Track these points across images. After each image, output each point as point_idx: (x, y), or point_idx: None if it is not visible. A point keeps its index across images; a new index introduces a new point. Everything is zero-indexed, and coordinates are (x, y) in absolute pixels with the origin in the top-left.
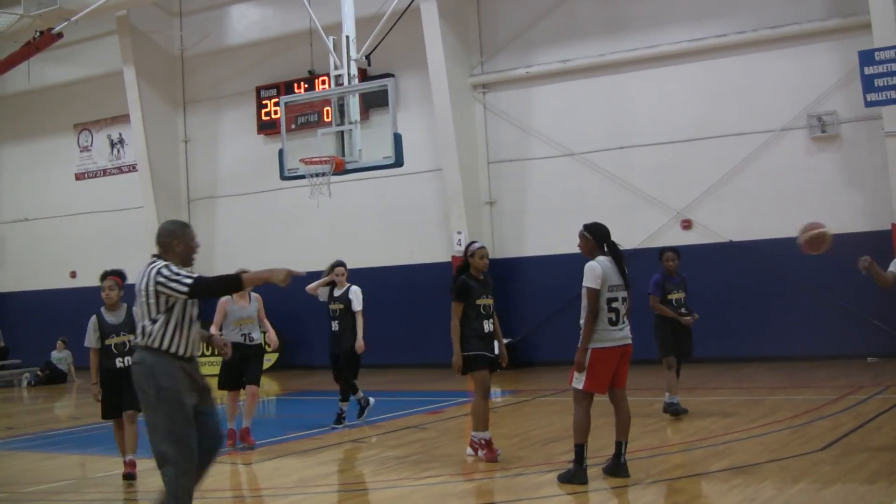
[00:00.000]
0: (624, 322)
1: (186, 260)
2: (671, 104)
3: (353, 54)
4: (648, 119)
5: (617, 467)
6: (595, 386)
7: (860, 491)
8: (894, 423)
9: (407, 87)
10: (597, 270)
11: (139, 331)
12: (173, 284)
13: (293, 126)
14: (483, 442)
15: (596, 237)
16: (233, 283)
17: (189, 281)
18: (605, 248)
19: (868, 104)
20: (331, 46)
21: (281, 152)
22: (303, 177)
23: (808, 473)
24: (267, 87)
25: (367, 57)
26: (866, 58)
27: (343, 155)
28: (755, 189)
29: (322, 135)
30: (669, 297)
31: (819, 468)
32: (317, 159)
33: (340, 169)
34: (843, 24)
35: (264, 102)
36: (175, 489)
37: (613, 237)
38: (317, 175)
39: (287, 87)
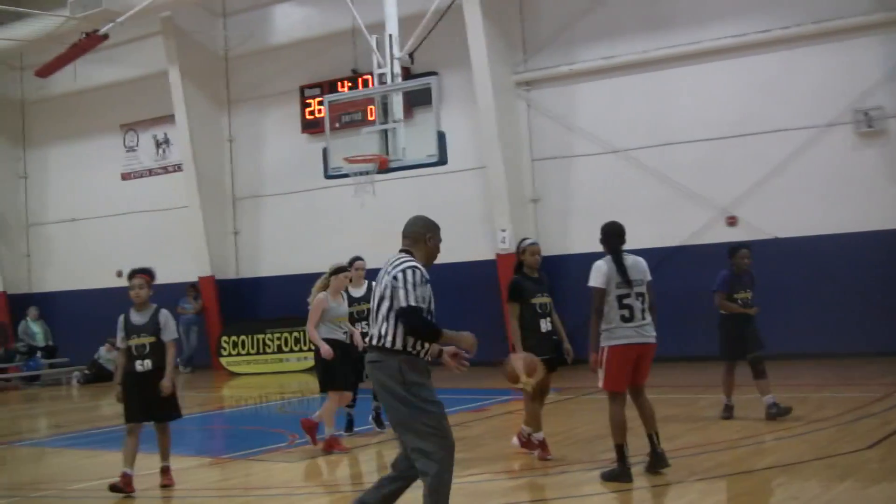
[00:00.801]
0: (643, 319)
1: (430, 258)
2: (714, 100)
3: (397, 53)
4: (692, 115)
5: (655, 459)
6: (613, 384)
7: None
8: None
9: (450, 85)
10: (601, 269)
11: (377, 332)
12: (401, 292)
13: (337, 125)
14: (536, 441)
15: (603, 236)
16: (435, 335)
17: (413, 303)
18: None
19: None
20: (374, 45)
21: (325, 151)
22: (347, 175)
23: (854, 471)
24: (311, 87)
25: (411, 55)
26: None
27: (387, 153)
28: (800, 185)
29: (366, 133)
30: (736, 295)
31: (866, 466)
32: (361, 158)
33: (384, 167)
34: (888, 18)
35: (308, 101)
36: (437, 485)
37: (658, 234)
38: (361, 174)
39: (331, 86)
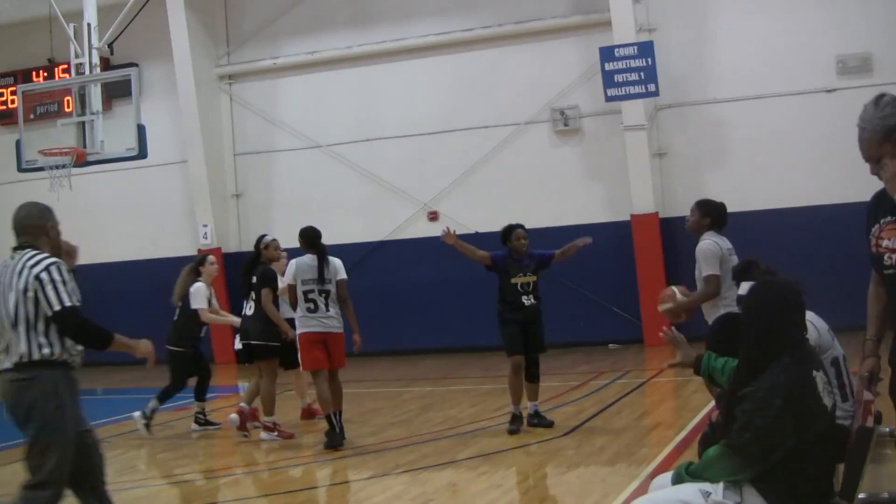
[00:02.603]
0: (327, 312)
1: (56, 252)
2: (418, 97)
3: (95, 42)
4: (396, 111)
5: (334, 435)
6: (307, 364)
7: (601, 473)
8: (633, 407)
9: (151, 77)
10: (291, 267)
11: (23, 348)
12: (51, 293)
13: (32, 116)
14: (273, 424)
15: (302, 238)
16: (106, 339)
17: (69, 303)
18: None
19: (608, 99)
20: (71, 34)
21: (18, 143)
22: (42, 169)
23: (552, 458)
24: (3, 75)
25: (110, 45)
26: (607, 54)
27: (84, 146)
28: (500, 181)
29: (62, 125)
30: (514, 280)
31: (563, 452)
32: (57, 151)
33: (82, 160)
34: (585, 21)
35: (0, 91)
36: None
37: (363, 228)
38: (57, 167)
39: (25, 76)
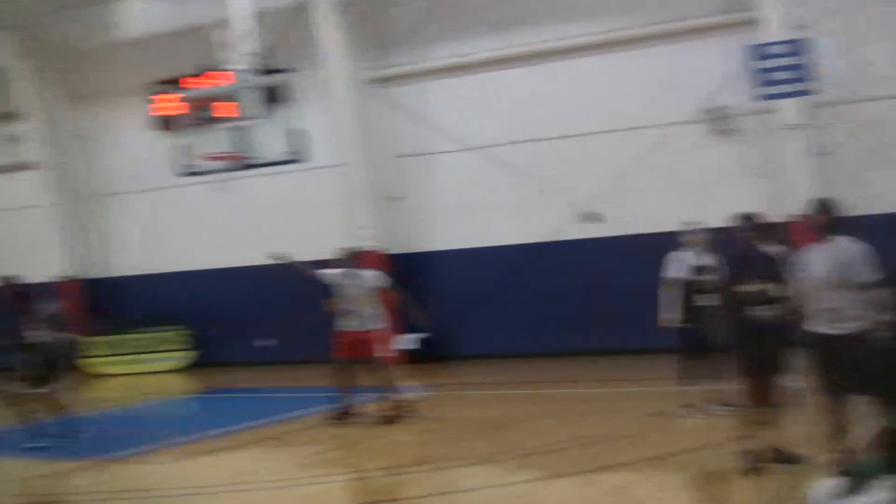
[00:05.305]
0: None
1: None
2: (572, 98)
3: (253, 49)
4: (550, 113)
5: None
6: None
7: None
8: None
9: (308, 82)
10: None
11: None
12: None
13: (193, 122)
14: None
15: None
16: None
17: None
18: None
19: (761, 98)
20: (230, 41)
21: (181, 148)
22: (204, 173)
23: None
24: (165, 83)
25: (267, 51)
26: (757, 52)
27: (244, 150)
28: (657, 181)
29: (223, 130)
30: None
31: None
32: (217, 155)
33: (241, 164)
34: (734, 19)
35: (163, 98)
36: None
37: (517, 230)
38: (217, 171)
39: (183, 83)
